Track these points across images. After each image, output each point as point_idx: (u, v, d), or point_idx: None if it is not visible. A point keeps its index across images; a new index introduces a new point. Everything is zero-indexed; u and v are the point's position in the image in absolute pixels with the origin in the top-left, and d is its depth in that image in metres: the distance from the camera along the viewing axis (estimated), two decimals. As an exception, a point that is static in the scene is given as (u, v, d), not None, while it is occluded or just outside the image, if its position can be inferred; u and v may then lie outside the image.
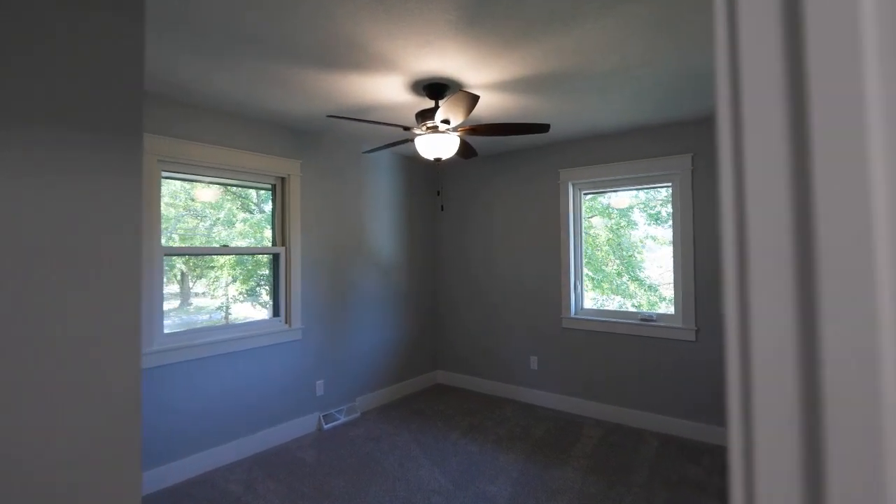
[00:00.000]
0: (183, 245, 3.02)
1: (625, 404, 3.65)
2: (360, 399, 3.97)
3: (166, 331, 2.84)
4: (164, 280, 2.82)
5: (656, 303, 3.73)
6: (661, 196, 3.67)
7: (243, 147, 3.16)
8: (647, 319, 3.60)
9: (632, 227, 3.86)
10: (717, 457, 3.06)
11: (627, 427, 3.58)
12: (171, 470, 2.74)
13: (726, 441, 3.04)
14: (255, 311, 3.48)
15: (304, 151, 3.57)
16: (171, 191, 3.00)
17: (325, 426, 3.58)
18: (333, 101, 2.83)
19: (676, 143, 3.42)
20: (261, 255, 3.44)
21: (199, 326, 3.05)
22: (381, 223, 4.25)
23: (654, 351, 3.52)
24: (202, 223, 3.16)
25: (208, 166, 2.98)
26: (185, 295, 3.17)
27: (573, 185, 3.99)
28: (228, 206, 3.33)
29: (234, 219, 3.34)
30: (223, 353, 3.02)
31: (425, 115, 2.56)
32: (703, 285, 3.31)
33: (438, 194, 2.59)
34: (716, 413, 3.25)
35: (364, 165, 4.09)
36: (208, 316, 3.22)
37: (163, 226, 2.86)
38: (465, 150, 2.98)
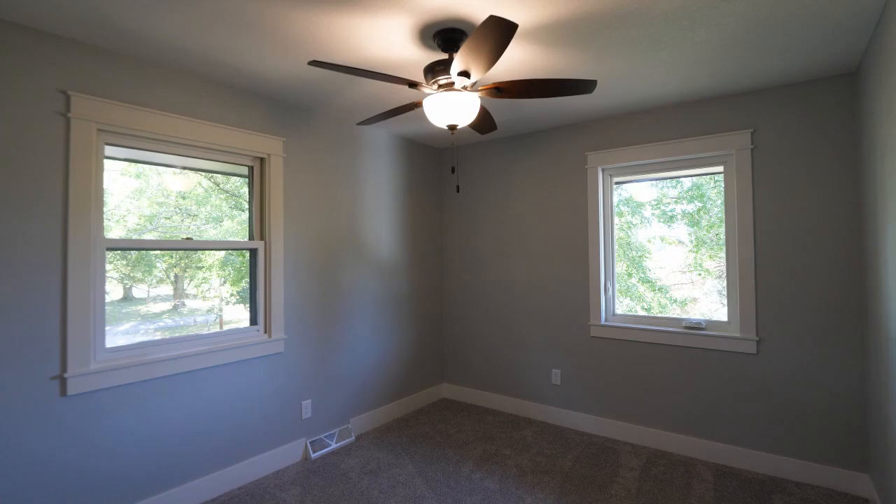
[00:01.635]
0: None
1: (668, 428, 3.09)
2: (354, 420, 3.39)
3: (112, 343, 2.26)
4: (154, 280, 2.30)
5: (667, 305, 3.35)
6: (672, 194, 3.31)
7: (212, 119, 2.59)
8: (693, 327, 3.04)
9: (645, 225, 3.45)
10: (789, 495, 2.50)
11: (672, 455, 3.02)
12: (113, 522, 2.15)
13: (804, 476, 2.34)
14: (247, 313, 2.96)
15: (289, 128, 3.01)
16: (159, 185, 2.56)
17: (314, 454, 3.01)
18: (318, 55, 2.27)
19: (732, 117, 2.87)
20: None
21: (156, 338, 2.48)
22: (379, 215, 3.69)
23: (705, 365, 2.97)
24: (193, 221, 2.73)
25: (167, 141, 2.41)
26: (177, 296, 2.77)
27: (602, 170, 3.44)
28: (219, 203, 2.88)
29: (221, 215, 2.85)
30: (187, 370, 2.44)
31: (436, 70, 2.01)
32: (768, 288, 2.76)
33: (453, 171, 2.04)
34: (786, 441, 2.69)
35: (360, 147, 3.52)
36: (193, 320, 2.76)
37: (148, 223, 2.38)
38: (484, 119, 2.42)
